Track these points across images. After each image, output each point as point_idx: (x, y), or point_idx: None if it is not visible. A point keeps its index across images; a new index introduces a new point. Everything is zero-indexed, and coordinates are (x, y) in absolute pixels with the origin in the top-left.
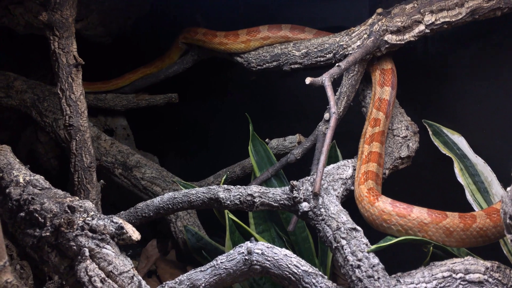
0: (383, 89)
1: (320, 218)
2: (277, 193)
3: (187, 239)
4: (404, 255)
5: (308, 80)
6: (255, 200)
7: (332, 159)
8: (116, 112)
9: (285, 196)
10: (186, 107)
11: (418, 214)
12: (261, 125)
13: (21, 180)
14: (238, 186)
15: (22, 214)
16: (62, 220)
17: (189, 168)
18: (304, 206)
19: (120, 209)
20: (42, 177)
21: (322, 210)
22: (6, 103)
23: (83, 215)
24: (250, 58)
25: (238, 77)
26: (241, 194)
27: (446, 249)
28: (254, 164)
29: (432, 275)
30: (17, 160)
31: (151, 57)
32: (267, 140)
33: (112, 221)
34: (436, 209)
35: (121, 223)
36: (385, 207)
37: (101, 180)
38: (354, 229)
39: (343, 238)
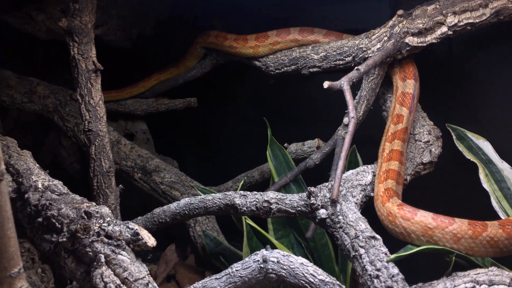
0: (406, 82)
1: (338, 225)
2: (294, 200)
3: (206, 244)
4: (425, 264)
5: (326, 84)
6: (271, 206)
7: (352, 164)
8: (136, 117)
9: (302, 202)
10: (205, 111)
11: (422, 218)
12: (280, 130)
13: (40, 186)
14: (255, 192)
15: (40, 219)
16: (79, 226)
17: (208, 173)
18: (322, 213)
19: (139, 214)
20: (60, 182)
21: (340, 217)
22: (29, 108)
23: (99, 221)
24: (268, 62)
25: (257, 81)
26: (257, 200)
27: (470, 259)
28: (273, 169)
29: (455, 286)
30: (37, 165)
31: (172, 61)
32: (285, 144)
33: (128, 227)
34: (460, 217)
35: (136, 229)
36: (392, 208)
37: (120, 185)
38: (373, 237)
39: (361, 246)
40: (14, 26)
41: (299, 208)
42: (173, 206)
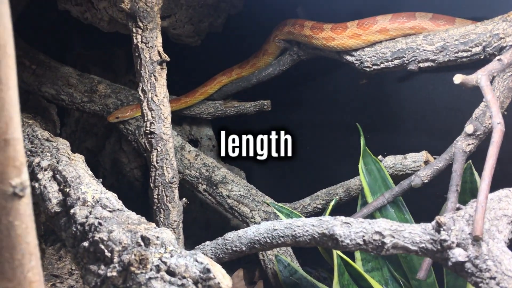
0: None
1: (487, 275)
2: (415, 232)
3: (278, 271)
4: None
5: (458, 79)
6: (385, 240)
7: (467, 184)
8: (202, 121)
9: (428, 237)
10: (279, 115)
11: None
12: (374, 139)
13: (89, 199)
14: (361, 220)
15: (86, 243)
16: (133, 256)
17: (280, 187)
18: (458, 254)
19: (201, 228)
20: (114, 195)
21: (490, 262)
22: (89, 108)
23: (159, 250)
24: (364, 56)
25: (346, 80)
26: (365, 231)
27: None
28: (366, 187)
29: None
30: (89, 172)
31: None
32: (379, 157)
33: (196, 261)
34: None
35: (207, 263)
36: None
37: (184, 199)
38: None
39: None
40: (76, 16)
41: (423, 245)
42: (251, 231)
